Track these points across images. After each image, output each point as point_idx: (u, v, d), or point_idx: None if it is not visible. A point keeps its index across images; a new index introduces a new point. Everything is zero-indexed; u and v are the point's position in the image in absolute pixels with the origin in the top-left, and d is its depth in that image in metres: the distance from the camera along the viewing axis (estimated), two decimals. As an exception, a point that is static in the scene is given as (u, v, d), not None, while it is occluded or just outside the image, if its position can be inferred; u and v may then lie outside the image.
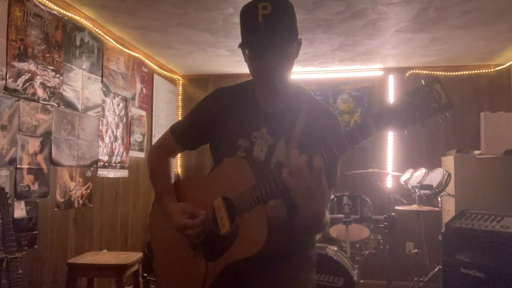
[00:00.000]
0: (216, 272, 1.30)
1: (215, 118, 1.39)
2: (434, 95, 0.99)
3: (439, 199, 4.08)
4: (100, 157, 3.56)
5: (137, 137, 4.22)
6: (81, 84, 3.29)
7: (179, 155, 5.07)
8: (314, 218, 1.18)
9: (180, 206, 1.39)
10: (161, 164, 1.51)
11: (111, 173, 3.74)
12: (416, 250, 3.77)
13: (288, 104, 1.33)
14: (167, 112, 4.92)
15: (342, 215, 3.51)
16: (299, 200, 1.12)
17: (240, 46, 1.24)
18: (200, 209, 1.34)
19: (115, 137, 3.82)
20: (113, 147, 3.78)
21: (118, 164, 3.84)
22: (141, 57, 4.26)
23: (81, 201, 3.30)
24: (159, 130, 4.66)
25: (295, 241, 1.34)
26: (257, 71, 1.26)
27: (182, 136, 1.47)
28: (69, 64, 3.14)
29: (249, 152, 1.32)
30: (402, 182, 4.16)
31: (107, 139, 3.67)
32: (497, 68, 4.60)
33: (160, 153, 1.52)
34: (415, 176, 4.00)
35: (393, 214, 3.51)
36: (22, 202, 2.67)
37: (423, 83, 1.00)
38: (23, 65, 2.68)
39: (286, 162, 1.13)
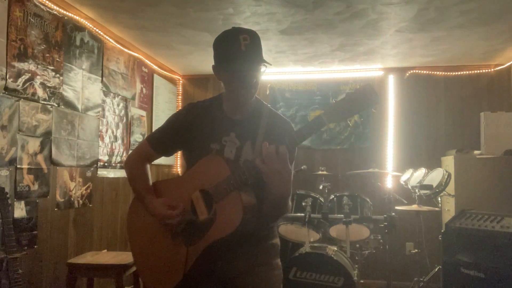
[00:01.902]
0: (197, 254, 1.45)
1: (188, 127, 1.60)
2: (366, 94, 1.27)
3: (439, 199, 4.08)
4: (100, 157, 3.56)
5: (137, 137, 4.22)
6: (81, 84, 3.29)
7: (179, 157, 5.09)
8: (282, 198, 1.43)
9: (161, 200, 1.56)
10: (140, 168, 1.68)
11: (111, 173, 3.74)
12: (416, 250, 3.77)
13: (251, 113, 1.59)
14: (167, 112, 4.92)
15: (342, 215, 3.50)
16: (272, 182, 1.35)
17: (217, 68, 1.52)
18: (179, 202, 1.53)
19: (115, 137, 3.82)
20: (113, 147, 3.78)
21: (118, 164, 3.84)
22: (141, 57, 4.26)
23: (81, 201, 3.30)
24: (159, 130, 4.64)
25: (263, 230, 1.56)
26: (237, 87, 1.50)
27: (158, 144, 1.67)
28: (69, 64, 3.14)
29: (221, 153, 1.54)
30: (402, 182, 4.16)
31: (107, 139, 3.67)
32: (497, 68, 4.61)
33: (138, 159, 1.70)
34: (415, 176, 4.00)
35: (393, 214, 3.51)
36: (22, 202, 2.67)
37: (358, 87, 1.30)
38: (23, 65, 2.68)
39: (257, 153, 1.37)
